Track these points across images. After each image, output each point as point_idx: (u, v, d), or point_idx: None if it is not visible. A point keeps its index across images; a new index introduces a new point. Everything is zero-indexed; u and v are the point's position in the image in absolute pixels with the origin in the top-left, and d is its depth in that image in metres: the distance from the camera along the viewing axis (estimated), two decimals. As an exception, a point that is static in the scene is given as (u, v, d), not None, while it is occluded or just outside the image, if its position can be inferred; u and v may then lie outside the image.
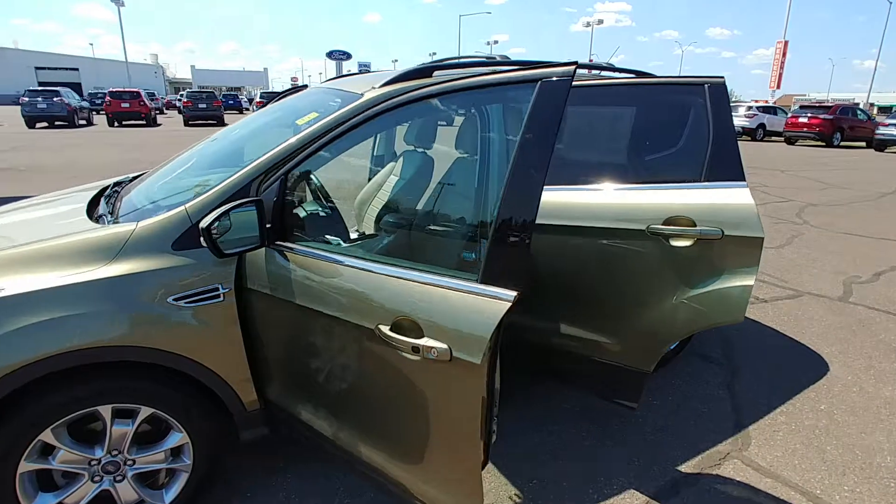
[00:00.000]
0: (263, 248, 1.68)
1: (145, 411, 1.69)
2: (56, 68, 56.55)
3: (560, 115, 1.25)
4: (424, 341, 1.27)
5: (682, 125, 2.02)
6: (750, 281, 1.80)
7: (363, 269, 1.50)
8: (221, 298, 1.71)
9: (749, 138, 22.29)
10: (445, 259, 2.55)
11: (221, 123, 22.38)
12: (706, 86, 1.96)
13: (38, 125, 20.50)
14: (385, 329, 1.34)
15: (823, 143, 20.20)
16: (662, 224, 1.87)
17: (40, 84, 38.83)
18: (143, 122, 22.79)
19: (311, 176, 2.22)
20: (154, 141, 15.83)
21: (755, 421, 2.53)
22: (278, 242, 1.68)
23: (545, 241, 2.12)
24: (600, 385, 2.16)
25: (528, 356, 2.37)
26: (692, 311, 1.87)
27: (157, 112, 29.41)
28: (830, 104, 22.55)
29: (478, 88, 1.52)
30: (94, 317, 1.55)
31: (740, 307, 1.80)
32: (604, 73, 2.57)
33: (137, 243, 1.66)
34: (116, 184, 2.50)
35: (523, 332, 2.31)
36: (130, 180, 2.53)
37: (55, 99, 20.63)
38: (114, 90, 23.37)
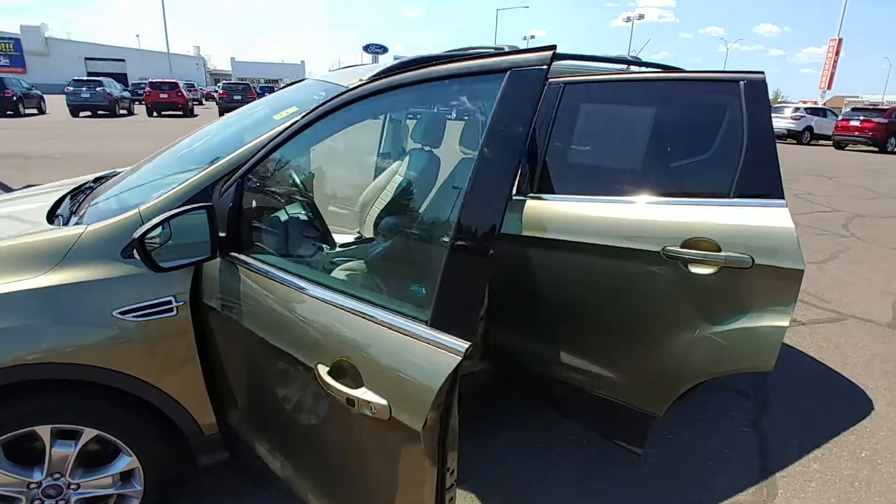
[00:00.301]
0: (218, 260, 1.51)
1: (89, 433, 1.55)
2: (104, 59, 58.57)
3: (532, 112, 1.01)
4: (361, 393, 1.06)
5: (711, 129, 1.74)
6: (784, 321, 1.51)
7: (311, 295, 1.29)
8: (174, 313, 1.55)
9: (794, 142, 21.18)
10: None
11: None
12: (742, 83, 1.65)
13: (81, 114, 21.19)
14: (323, 371, 1.14)
15: (876, 149, 18.99)
16: (681, 247, 1.59)
17: (89, 74, 40.28)
18: (181, 113, 23.28)
19: (292, 176, 2.04)
20: (186, 132, 16.11)
21: (784, 467, 2.23)
22: (233, 254, 1.50)
23: (545, 256, 1.88)
24: (602, 423, 1.91)
25: (524, 381, 2.14)
26: (712, 352, 1.59)
27: (196, 103, 30.04)
28: (885, 107, 21.20)
29: (436, 80, 1.28)
30: (27, 330, 1.40)
31: (770, 352, 1.52)
32: (621, 66, 2.30)
33: (84, 249, 1.51)
34: (99, 178, 2.39)
35: (518, 356, 2.08)
36: (114, 175, 2.41)
37: (98, 89, 21.31)
38: (153, 81, 23.96)
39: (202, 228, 1.41)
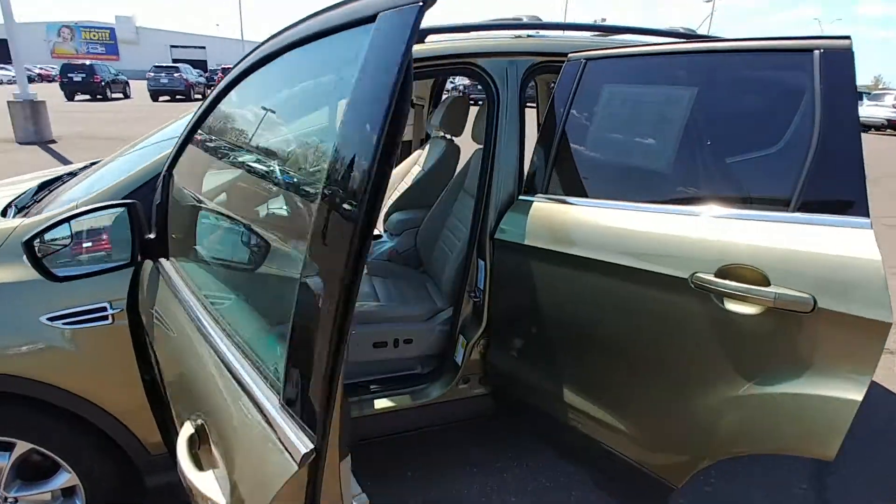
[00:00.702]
0: (150, 264, 1.31)
1: (23, 446, 1.42)
2: (186, 46, 62.16)
3: (403, 66, 0.63)
4: (202, 480, 0.80)
5: (768, 117, 1.32)
6: (856, 394, 1.05)
7: (198, 326, 1.02)
8: (110, 321, 1.38)
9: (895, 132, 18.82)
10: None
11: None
12: (817, 53, 1.18)
13: (160, 98, 22.47)
14: (185, 432, 0.90)
15: None
16: (715, 275, 1.18)
17: (173, 61, 42.81)
18: (249, 98, 24.14)
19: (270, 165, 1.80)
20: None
21: (852, 542, 1.79)
22: (161, 260, 1.29)
23: (545, 270, 1.55)
24: (611, 482, 1.56)
25: (527, 417, 1.83)
26: (748, 422, 1.19)
27: (264, 88, 31.10)
28: None
29: (298, 45, 0.94)
30: (-56, 335, 1.27)
31: (832, 434, 1.07)
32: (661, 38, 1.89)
33: (14, 246, 1.36)
34: (89, 165, 2.29)
35: (517, 386, 1.78)
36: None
37: (175, 75, 22.54)
38: (225, 66, 25.03)
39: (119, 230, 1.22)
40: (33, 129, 9.37)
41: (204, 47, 64.36)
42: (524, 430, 2.10)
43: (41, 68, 37.22)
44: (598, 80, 1.57)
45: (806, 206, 1.17)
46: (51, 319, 1.34)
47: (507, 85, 1.72)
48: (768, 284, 1.13)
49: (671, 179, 1.41)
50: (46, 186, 1.89)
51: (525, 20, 1.90)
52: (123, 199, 1.36)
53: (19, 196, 1.79)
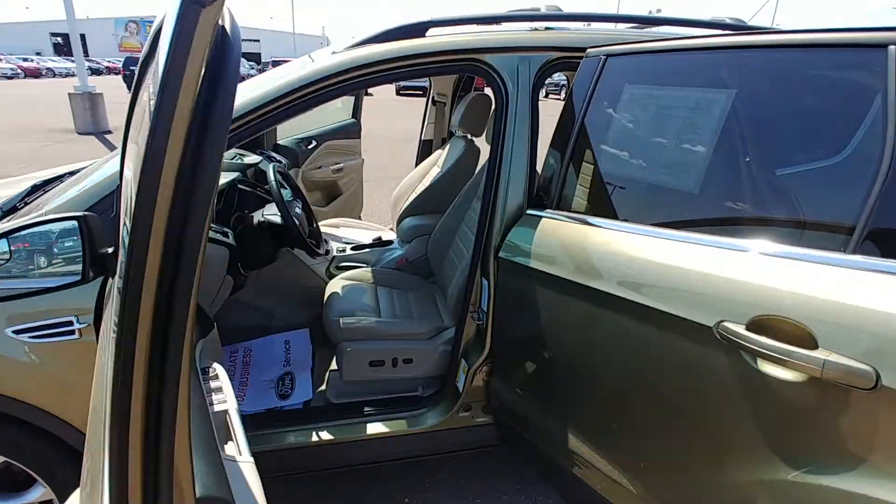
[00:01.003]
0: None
1: (-5, 458, 1.38)
2: (242, 40, 64.44)
3: (167, 73, 0.48)
4: None
5: (824, 128, 1.07)
6: None
7: (103, 371, 0.89)
8: (77, 335, 1.31)
9: None
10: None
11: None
12: (893, 48, 0.92)
13: (213, 90, 23.26)
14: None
15: None
16: (746, 327, 0.96)
17: (229, 54, 44.29)
18: (297, 90, 24.69)
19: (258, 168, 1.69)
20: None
21: None
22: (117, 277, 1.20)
23: (550, 298, 1.37)
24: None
25: (530, 454, 1.65)
26: None
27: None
28: None
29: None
30: None
31: None
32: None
33: (-20, 254, 1.31)
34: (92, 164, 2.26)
35: (519, 420, 1.60)
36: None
37: (227, 67, 23.30)
38: (275, 59, 25.64)
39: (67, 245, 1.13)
40: (91, 119, 9.83)
41: (258, 40, 66.46)
42: (526, 463, 1.92)
43: (109, 61, 39.34)
44: (619, 78, 1.36)
45: (868, 247, 0.93)
46: (16, 332, 1.28)
47: (518, 84, 1.53)
48: (815, 346, 0.89)
49: (697, 199, 1.19)
50: (42, 187, 1.85)
51: (543, 10, 1.70)
52: (87, 209, 1.29)
53: (9, 199, 1.76)
